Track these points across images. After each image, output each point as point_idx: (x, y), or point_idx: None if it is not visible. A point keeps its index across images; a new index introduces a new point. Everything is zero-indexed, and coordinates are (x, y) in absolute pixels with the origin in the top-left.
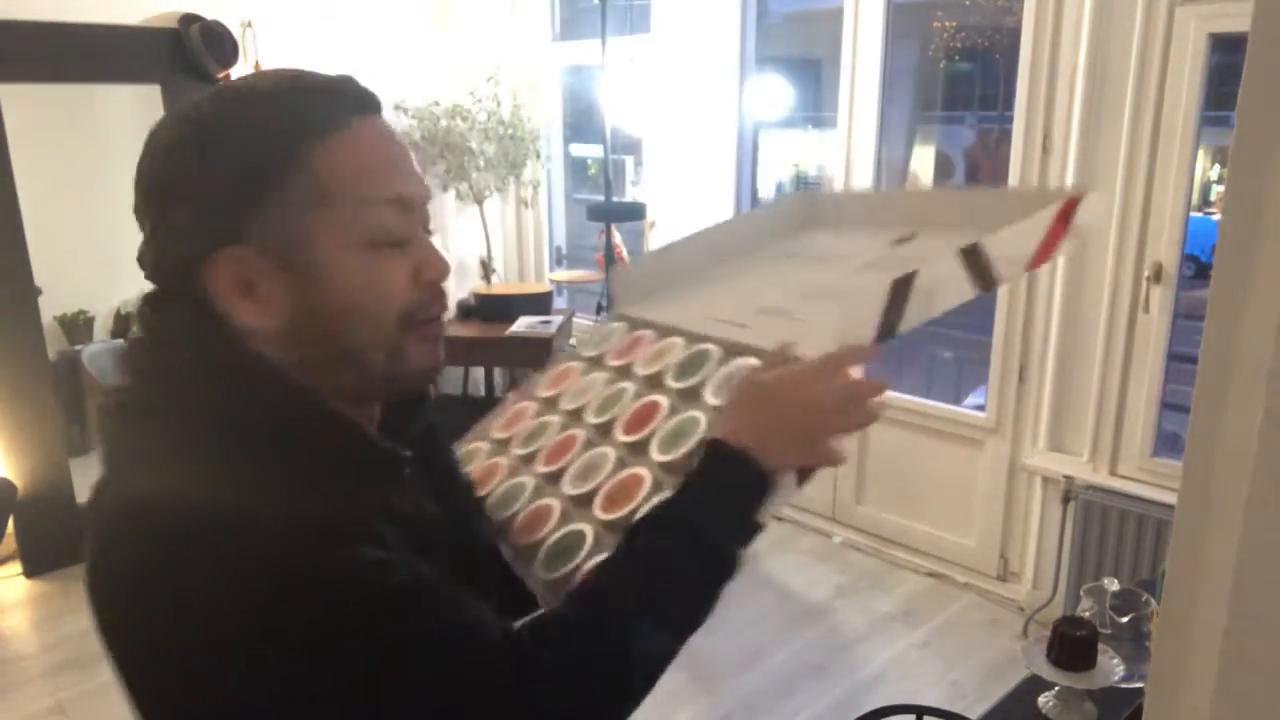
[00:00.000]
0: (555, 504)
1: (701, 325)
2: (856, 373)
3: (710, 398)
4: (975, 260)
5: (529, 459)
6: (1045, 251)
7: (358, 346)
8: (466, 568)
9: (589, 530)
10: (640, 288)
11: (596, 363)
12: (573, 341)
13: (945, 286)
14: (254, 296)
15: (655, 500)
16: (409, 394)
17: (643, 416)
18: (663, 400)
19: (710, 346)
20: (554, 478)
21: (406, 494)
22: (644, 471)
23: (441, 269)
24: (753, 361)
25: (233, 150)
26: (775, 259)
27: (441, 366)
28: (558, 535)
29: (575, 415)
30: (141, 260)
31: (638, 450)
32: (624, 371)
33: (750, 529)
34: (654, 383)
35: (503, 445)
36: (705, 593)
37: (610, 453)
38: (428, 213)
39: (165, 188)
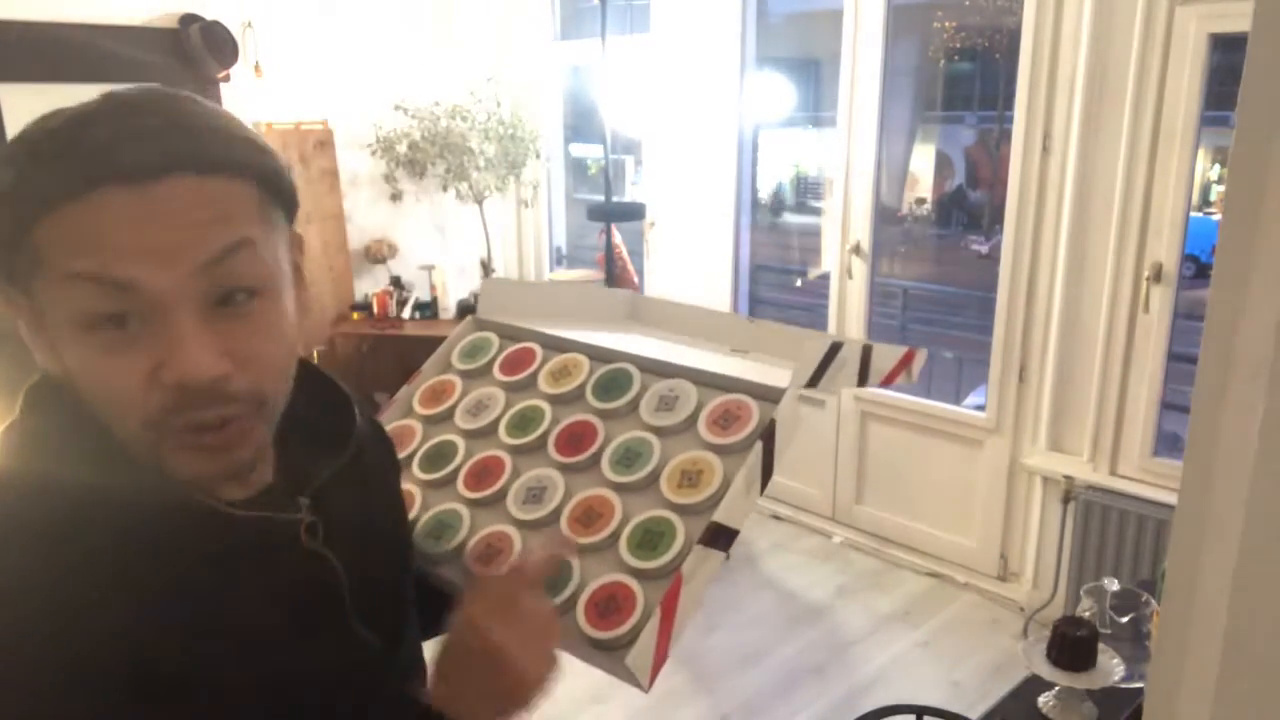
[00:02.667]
0: (510, 530)
1: (600, 343)
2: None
3: (648, 417)
4: (867, 357)
5: (443, 483)
6: (890, 378)
7: (119, 437)
8: (384, 611)
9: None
10: (499, 303)
11: (480, 376)
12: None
13: (847, 369)
14: (34, 342)
15: (633, 522)
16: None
17: (577, 435)
18: (593, 419)
19: (628, 366)
20: (490, 502)
21: (292, 559)
22: (606, 493)
23: (182, 369)
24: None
25: None
26: (617, 330)
27: (226, 473)
28: None
29: (484, 434)
30: None
31: (583, 470)
32: (524, 387)
33: None
34: (571, 400)
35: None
36: None
37: (554, 474)
38: (244, 292)
39: None
